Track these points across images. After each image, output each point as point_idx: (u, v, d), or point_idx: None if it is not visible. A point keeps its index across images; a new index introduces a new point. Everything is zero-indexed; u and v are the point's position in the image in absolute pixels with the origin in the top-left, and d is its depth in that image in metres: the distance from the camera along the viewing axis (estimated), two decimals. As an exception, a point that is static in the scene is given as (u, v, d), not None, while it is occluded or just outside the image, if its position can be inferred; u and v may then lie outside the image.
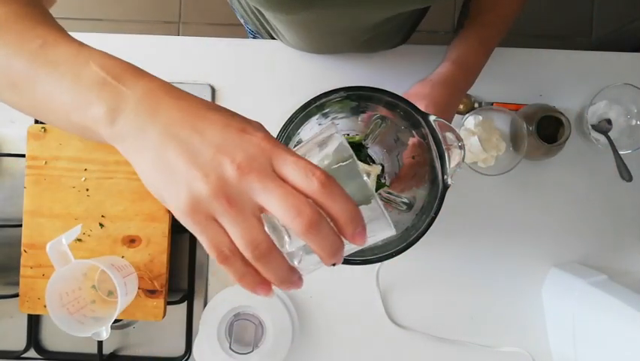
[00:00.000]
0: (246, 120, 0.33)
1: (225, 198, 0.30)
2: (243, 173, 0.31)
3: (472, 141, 0.72)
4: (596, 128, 0.74)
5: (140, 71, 0.35)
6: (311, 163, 0.32)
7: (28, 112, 0.39)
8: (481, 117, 0.72)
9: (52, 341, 0.77)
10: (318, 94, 0.57)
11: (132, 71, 0.35)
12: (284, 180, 0.31)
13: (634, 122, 0.73)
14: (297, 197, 0.31)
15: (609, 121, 0.74)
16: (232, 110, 0.34)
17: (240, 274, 0.32)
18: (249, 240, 0.31)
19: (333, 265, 0.33)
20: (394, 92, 0.56)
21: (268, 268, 0.32)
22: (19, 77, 0.36)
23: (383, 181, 0.67)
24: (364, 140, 0.66)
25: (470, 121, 0.72)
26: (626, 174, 0.71)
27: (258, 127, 0.33)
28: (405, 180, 0.61)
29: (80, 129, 0.35)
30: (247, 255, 0.31)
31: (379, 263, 0.65)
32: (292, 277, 0.34)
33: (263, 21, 0.73)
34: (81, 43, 0.36)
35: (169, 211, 0.71)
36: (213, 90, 0.78)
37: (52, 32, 0.37)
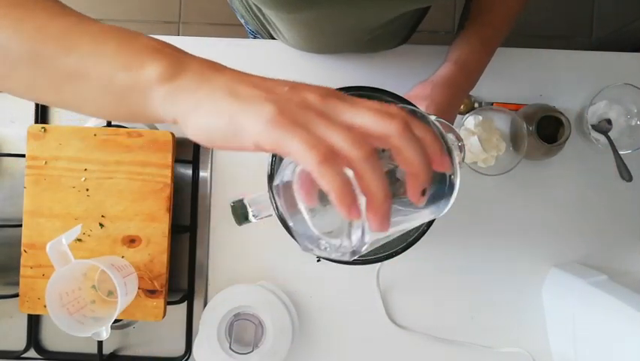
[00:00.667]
0: None
1: (313, 110, 0.30)
2: (324, 98, 0.31)
3: (472, 141, 0.72)
4: (596, 128, 0.74)
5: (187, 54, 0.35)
6: None
7: (43, 89, 0.36)
8: (481, 117, 0.72)
9: (52, 341, 0.77)
10: (318, 94, 0.57)
11: (183, 50, 0.35)
12: None
13: (634, 122, 0.73)
14: (385, 106, 0.31)
15: (609, 121, 0.74)
16: None
17: (341, 182, 0.28)
18: (354, 138, 0.29)
19: (423, 193, 0.33)
20: (395, 92, 0.56)
21: (374, 173, 0.29)
22: (48, 46, 0.33)
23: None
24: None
25: (470, 121, 0.72)
26: (626, 174, 0.71)
27: None
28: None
29: (119, 93, 0.33)
30: (354, 153, 0.29)
31: (379, 263, 0.65)
32: (388, 199, 0.30)
33: (264, 20, 0.73)
34: None
35: (169, 211, 0.71)
36: (213, 90, 0.77)
37: (87, 16, 0.36)
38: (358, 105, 0.31)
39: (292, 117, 0.29)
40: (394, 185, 0.35)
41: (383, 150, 0.63)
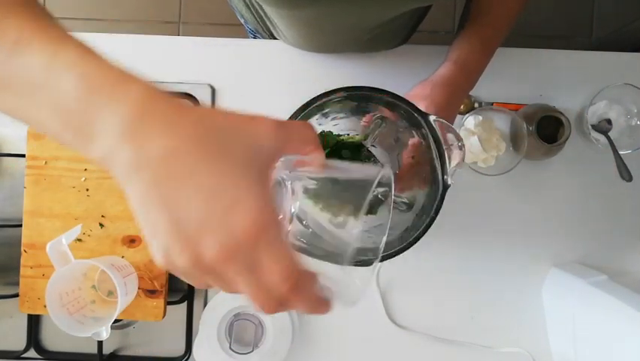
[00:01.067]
0: (239, 176, 0.28)
1: (202, 271, 0.29)
2: (219, 260, 0.28)
3: (472, 141, 0.72)
4: (596, 128, 0.74)
5: (124, 82, 0.29)
6: (293, 261, 0.30)
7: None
8: (481, 117, 0.72)
9: (52, 341, 0.77)
10: (318, 94, 0.57)
11: (113, 85, 0.28)
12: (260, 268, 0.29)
13: (634, 122, 0.73)
14: (264, 295, 0.29)
15: (609, 121, 0.74)
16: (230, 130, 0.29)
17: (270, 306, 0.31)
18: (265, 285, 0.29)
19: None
20: (395, 92, 0.56)
21: (303, 296, 0.31)
22: None
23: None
24: (364, 140, 0.66)
25: (470, 121, 0.72)
26: (626, 174, 0.71)
27: (253, 190, 0.28)
28: (404, 180, 0.61)
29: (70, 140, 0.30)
30: (278, 291, 0.29)
31: (379, 263, 0.65)
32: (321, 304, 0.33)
33: (264, 18, 0.73)
34: (60, 37, 0.30)
35: (169, 211, 0.71)
36: (213, 90, 0.78)
37: (29, 22, 0.30)
38: (242, 283, 0.29)
39: (180, 270, 0.29)
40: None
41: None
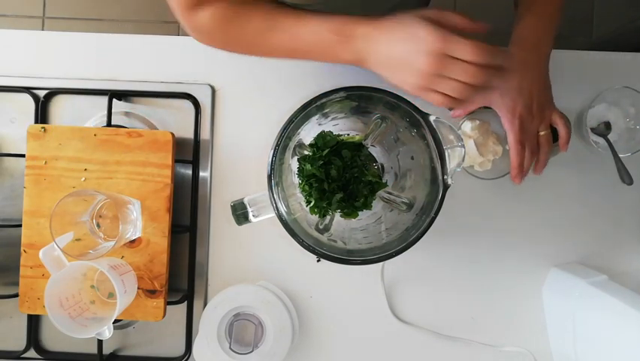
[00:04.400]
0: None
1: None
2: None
3: (469, 145, 0.71)
4: (595, 131, 0.74)
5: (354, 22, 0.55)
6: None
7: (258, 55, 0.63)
8: (477, 121, 0.72)
9: (52, 341, 0.77)
10: (318, 94, 0.57)
11: (350, 24, 0.55)
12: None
13: (632, 124, 0.73)
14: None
15: (608, 124, 0.74)
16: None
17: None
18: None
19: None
20: (394, 92, 0.56)
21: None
22: (255, 38, 0.59)
23: (384, 181, 0.67)
24: (364, 140, 0.66)
25: (467, 125, 0.72)
26: (627, 177, 0.71)
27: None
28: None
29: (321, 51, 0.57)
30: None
31: (381, 263, 0.65)
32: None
33: None
34: (304, 14, 0.56)
35: (169, 211, 0.71)
36: (213, 90, 0.78)
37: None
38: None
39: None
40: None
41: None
